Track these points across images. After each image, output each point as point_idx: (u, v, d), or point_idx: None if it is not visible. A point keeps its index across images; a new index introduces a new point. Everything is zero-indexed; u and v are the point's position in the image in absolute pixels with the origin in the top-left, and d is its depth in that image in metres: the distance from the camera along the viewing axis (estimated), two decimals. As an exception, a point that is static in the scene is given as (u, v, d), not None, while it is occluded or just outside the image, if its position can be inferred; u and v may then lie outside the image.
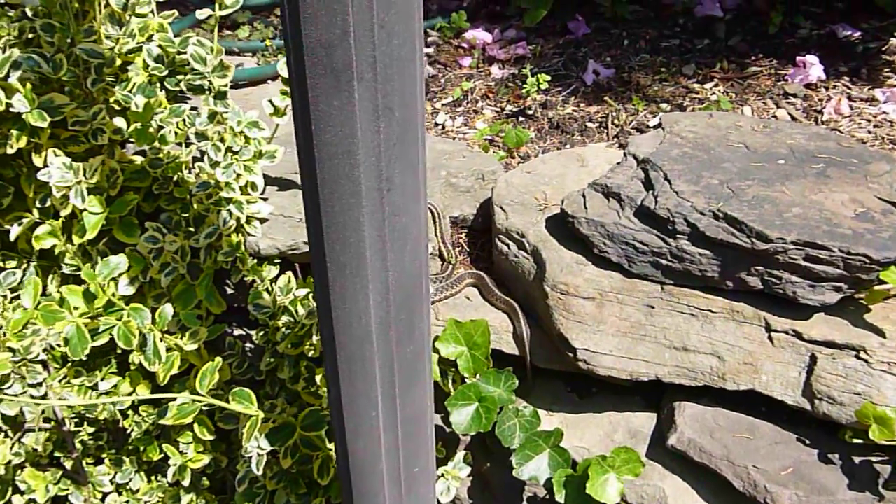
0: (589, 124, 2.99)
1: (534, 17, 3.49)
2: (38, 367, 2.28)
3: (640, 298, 1.86)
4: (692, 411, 1.81)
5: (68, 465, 2.41)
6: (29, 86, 2.05)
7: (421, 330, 1.44)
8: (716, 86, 3.05)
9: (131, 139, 2.14)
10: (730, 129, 2.13)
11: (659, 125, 2.24)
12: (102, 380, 2.28)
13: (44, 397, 2.27)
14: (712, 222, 1.76)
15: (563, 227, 2.01)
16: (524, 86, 3.04)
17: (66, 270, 2.23)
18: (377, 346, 1.40)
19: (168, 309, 1.96)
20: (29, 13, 2.28)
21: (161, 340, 1.93)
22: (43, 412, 2.36)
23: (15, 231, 2.21)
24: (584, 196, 2.02)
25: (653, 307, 1.84)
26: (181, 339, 2.04)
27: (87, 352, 1.81)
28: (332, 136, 1.18)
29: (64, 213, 2.19)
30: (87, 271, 1.82)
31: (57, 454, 2.41)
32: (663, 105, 2.99)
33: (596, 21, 3.59)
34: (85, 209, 2.12)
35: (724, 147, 2.03)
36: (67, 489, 2.37)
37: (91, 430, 2.47)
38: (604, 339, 1.85)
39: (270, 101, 2.20)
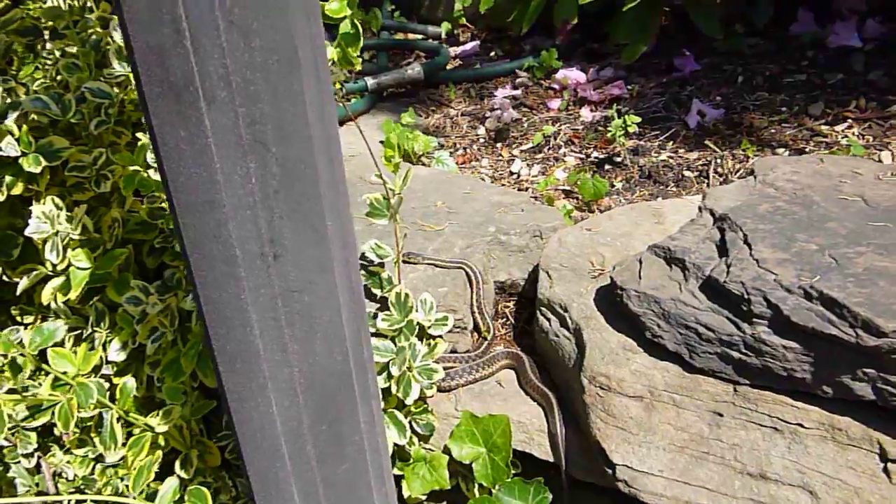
0: (687, 173, 2.52)
1: (632, 54, 3.07)
2: (32, 436, 2.06)
3: (703, 402, 1.39)
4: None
5: (61, 548, 2.17)
6: (26, 128, 1.87)
7: (357, 445, 1.06)
8: (849, 127, 2.50)
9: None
10: (844, 177, 1.62)
11: (751, 172, 1.76)
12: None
13: (36, 468, 2.05)
14: (801, 304, 1.27)
15: (612, 302, 1.58)
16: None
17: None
18: (291, 465, 1.03)
19: (130, 382, 1.68)
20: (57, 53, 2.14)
21: (118, 421, 1.65)
22: (37, 485, 2.14)
23: (22, 284, 2.03)
24: (640, 262, 1.57)
25: (721, 415, 1.37)
26: (155, 418, 1.75)
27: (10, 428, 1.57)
28: (188, 181, 0.84)
29: (60, 266, 1.98)
30: (4, 340, 1.58)
31: (49, 536, 2.17)
32: (780, 150, 2.47)
33: (707, 56, 3.11)
34: (71, 264, 1.90)
35: (832, 201, 1.53)
36: (57, 576, 2.11)
37: (94, 507, 2.22)
38: (652, 454, 1.38)
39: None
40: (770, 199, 1.58)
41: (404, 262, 1.85)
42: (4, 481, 2.15)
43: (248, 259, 0.88)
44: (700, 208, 1.66)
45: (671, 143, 2.69)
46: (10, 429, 2.05)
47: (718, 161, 2.51)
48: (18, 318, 2.21)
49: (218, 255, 0.88)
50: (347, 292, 0.98)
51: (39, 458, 2.11)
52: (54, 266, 1.83)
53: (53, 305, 2.04)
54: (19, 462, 2.07)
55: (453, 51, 3.85)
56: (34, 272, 2.06)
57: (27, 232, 1.81)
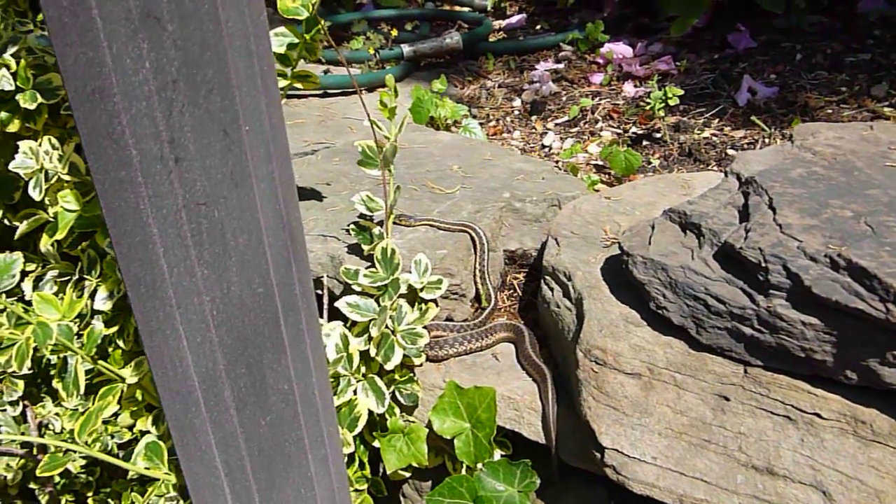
0: (731, 152, 2.32)
1: (682, 27, 2.87)
2: (19, 383, 2.00)
3: (708, 383, 1.22)
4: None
5: (43, 499, 2.11)
6: (24, 63, 1.81)
7: (285, 396, 0.93)
8: (914, 109, 2.26)
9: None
10: (895, 144, 1.42)
11: (789, 137, 1.57)
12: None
13: (22, 415, 1.99)
14: (826, 273, 1.09)
15: (620, 271, 1.41)
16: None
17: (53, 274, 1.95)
18: (207, 412, 0.91)
19: (98, 327, 1.59)
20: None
21: (81, 365, 1.56)
22: (23, 434, 2.08)
23: (21, 229, 1.97)
24: (652, 227, 1.41)
25: (727, 399, 1.19)
26: (127, 369, 1.66)
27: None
28: (76, 65, 0.72)
29: (52, 209, 1.92)
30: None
31: (32, 486, 2.11)
32: (834, 130, 2.25)
33: (765, 34, 2.89)
34: (61, 206, 1.82)
35: (876, 168, 1.34)
36: (36, 529, 2.05)
37: (83, 462, 2.16)
38: (646, 438, 1.22)
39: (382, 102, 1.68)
40: (806, 163, 1.39)
41: (394, 223, 1.72)
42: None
43: (145, 162, 0.76)
44: (726, 172, 1.48)
45: (717, 120, 2.49)
46: (-5, 375, 1.99)
47: (766, 140, 2.31)
48: (22, 266, 2.15)
49: (113, 155, 0.76)
50: (274, 215, 0.85)
51: (25, 406, 2.05)
52: (43, 206, 1.75)
53: (43, 249, 1.98)
54: (5, 410, 2.01)
55: (498, 24, 3.69)
56: (34, 217, 2.00)
57: (10, 166, 1.74)
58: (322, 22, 1.62)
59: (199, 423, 0.92)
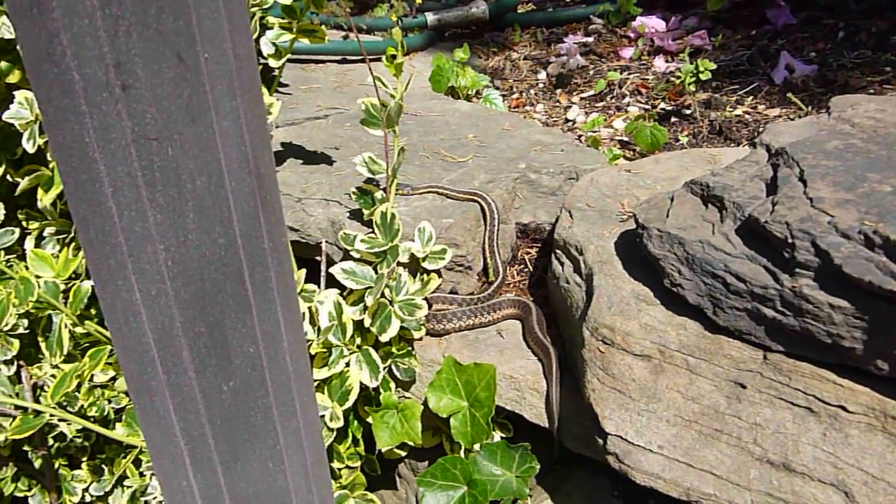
0: (762, 130, 2.18)
1: (719, 1, 2.73)
2: (15, 342, 1.95)
3: (724, 369, 1.11)
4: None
5: (36, 462, 2.06)
6: (24, 11, 1.74)
7: (250, 360, 0.85)
8: (965, 91, 2.12)
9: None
10: (943, 118, 1.30)
11: (826, 109, 1.45)
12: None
13: (17, 376, 1.94)
14: (859, 252, 0.98)
15: (634, 246, 1.31)
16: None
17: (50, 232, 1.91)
18: (164, 374, 0.83)
19: (85, 285, 1.52)
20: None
21: (67, 327, 1.50)
22: (17, 395, 2.03)
23: (21, 185, 1.92)
24: (671, 199, 1.30)
25: (743, 386, 1.09)
26: (117, 330, 1.59)
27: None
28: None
29: (52, 165, 1.87)
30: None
31: (25, 448, 2.06)
32: (876, 111, 2.11)
33: (806, 10, 2.74)
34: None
35: (922, 142, 1.22)
36: (28, 490, 2.01)
37: (77, 426, 2.11)
38: (653, 425, 1.12)
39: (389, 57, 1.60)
40: (843, 135, 1.27)
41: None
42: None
43: (89, 88, 0.68)
44: (755, 143, 1.37)
45: (750, 98, 2.36)
46: (-8, 333, 1.94)
47: (802, 118, 2.17)
48: (25, 224, 2.11)
49: (55, 80, 0.68)
50: (238, 157, 0.76)
51: (20, 366, 2.00)
52: (45, 162, 1.69)
53: (40, 205, 1.93)
54: (0, 369, 1.97)
55: (528, -5, 3.57)
56: (36, 173, 1.96)
57: (4, 116, 1.68)
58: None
59: (157, 385, 0.84)
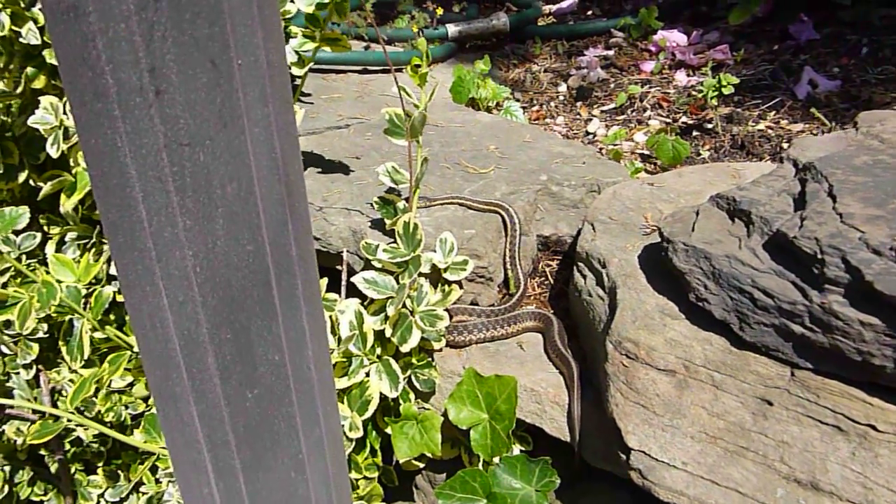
0: (786, 146, 2.18)
1: (741, 14, 2.72)
2: (34, 346, 1.96)
3: (750, 385, 1.10)
4: None
5: (52, 467, 2.07)
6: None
7: (275, 368, 0.85)
8: None
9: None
10: (974, 135, 1.29)
11: (854, 124, 1.44)
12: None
13: (35, 380, 1.95)
14: (891, 268, 0.97)
15: (659, 260, 1.30)
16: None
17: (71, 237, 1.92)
18: (189, 380, 0.83)
19: (107, 290, 1.53)
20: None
21: (90, 332, 1.50)
22: (36, 399, 2.04)
23: (44, 190, 1.94)
24: (697, 213, 1.29)
25: (770, 403, 1.08)
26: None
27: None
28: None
29: (75, 170, 1.88)
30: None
31: (41, 452, 2.07)
32: (901, 127, 2.09)
33: (829, 26, 2.73)
34: (81, 166, 1.78)
35: (953, 158, 1.21)
36: (44, 494, 2.01)
37: (95, 431, 2.11)
38: (678, 441, 1.11)
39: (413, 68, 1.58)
40: (872, 151, 1.26)
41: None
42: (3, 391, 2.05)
43: (123, 92, 0.68)
44: (782, 158, 1.36)
45: (773, 112, 2.35)
46: (11, 337, 1.96)
47: (829, 133, 2.16)
48: (46, 229, 2.12)
49: (89, 84, 0.68)
50: (269, 164, 0.76)
51: (39, 370, 2.01)
52: (67, 167, 1.70)
53: (62, 210, 1.94)
54: (19, 373, 1.97)
55: (549, 8, 3.57)
56: (58, 178, 1.97)
57: (30, 121, 1.70)
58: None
59: (181, 391, 0.84)
